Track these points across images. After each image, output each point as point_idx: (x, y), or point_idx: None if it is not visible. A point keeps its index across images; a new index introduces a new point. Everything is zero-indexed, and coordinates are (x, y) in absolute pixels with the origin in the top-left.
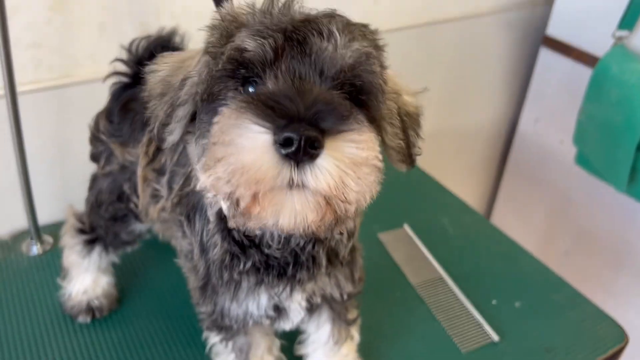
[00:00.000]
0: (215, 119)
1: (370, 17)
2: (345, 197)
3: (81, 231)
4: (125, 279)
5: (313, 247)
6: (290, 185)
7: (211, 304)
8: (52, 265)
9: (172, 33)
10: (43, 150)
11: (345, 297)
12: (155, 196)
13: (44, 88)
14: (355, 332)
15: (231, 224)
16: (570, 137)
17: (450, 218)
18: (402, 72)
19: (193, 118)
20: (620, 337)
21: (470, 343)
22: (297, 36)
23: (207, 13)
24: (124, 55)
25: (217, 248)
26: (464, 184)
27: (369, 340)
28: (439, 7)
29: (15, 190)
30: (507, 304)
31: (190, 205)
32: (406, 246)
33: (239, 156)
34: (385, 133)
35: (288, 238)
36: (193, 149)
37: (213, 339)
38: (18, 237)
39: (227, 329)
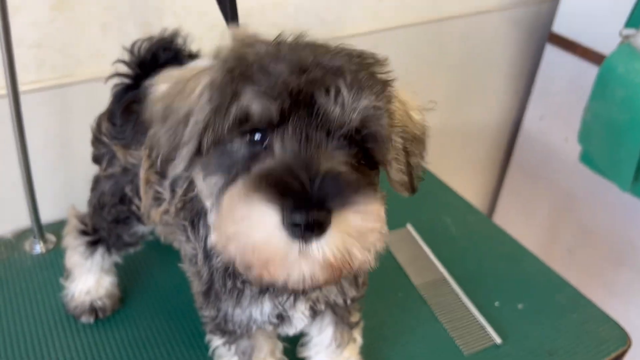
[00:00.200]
0: (225, 193)
1: (375, 14)
2: (351, 264)
3: (84, 232)
4: (128, 278)
5: None
6: (299, 255)
7: (214, 309)
8: (55, 264)
9: (175, 34)
10: (46, 149)
11: (348, 302)
12: (158, 199)
13: (46, 87)
14: (357, 335)
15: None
16: (575, 135)
17: (454, 218)
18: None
19: (198, 149)
20: (623, 340)
21: (473, 345)
22: (305, 97)
23: (210, 12)
24: (126, 56)
25: (221, 256)
26: (467, 180)
27: (371, 342)
28: (444, 4)
29: (18, 188)
30: (510, 305)
31: (194, 211)
32: (409, 246)
33: (249, 236)
34: (390, 168)
35: None
36: (201, 183)
37: (216, 342)
38: (21, 236)
39: (230, 333)
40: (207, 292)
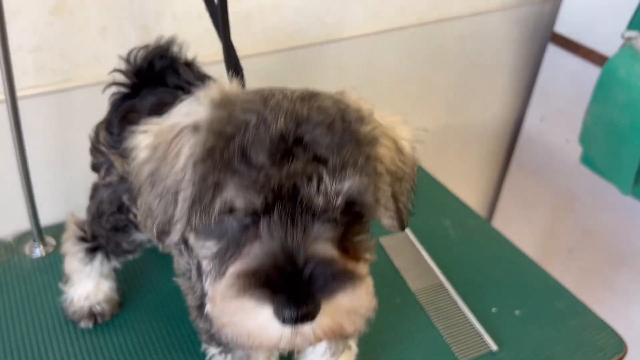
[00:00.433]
0: (217, 285)
1: (375, 15)
2: (342, 336)
3: (83, 239)
4: (127, 283)
5: None
6: (291, 335)
7: (208, 323)
8: (54, 268)
9: (170, 42)
10: (45, 152)
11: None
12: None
13: (46, 92)
14: (352, 343)
15: None
16: (576, 136)
17: (453, 221)
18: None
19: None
20: (620, 348)
21: (469, 352)
22: (287, 189)
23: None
24: (123, 65)
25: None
26: (468, 180)
27: (366, 348)
28: (444, 5)
29: (17, 192)
30: (507, 312)
31: None
32: (407, 251)
33: (243, 326)
34: (380, 216)
35: None
36: (195, 243)
37: (212, 351)
38: (21, 239)
39: (225, 344)
40: (201, 307)
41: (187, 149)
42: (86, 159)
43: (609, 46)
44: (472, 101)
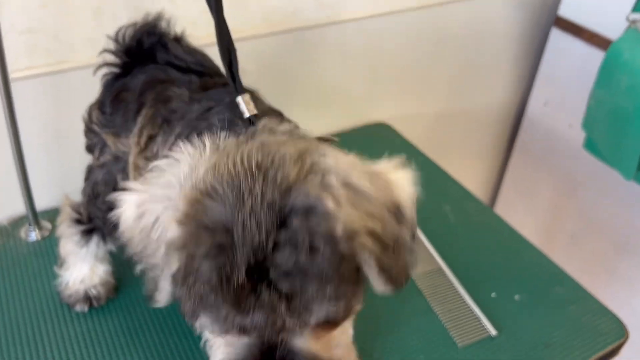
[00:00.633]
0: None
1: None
2: None
3: (78, 222)
4: (123, 266)
5: None
6: None
7: None
8: (50, 252)
9: (158, 18)
10: (40, 135)
11: None
12: None
13: (39, 74)
14: (349, 326)
15: None
16: (580, 121)
17: (453, 206)
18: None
19: None
20: (621, 333)
21: (468, 337)
22: (256, 326)
23: None
24: (112, 45)
25: None
26: (470, 165)
27: (364, 331)
28: None
29: (12, 175)
30: (507, 296)
31: None
32: None
33: None
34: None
35: None
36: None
37: (207, 335)
38: (17, 223)
39: None
40: None
41: (164, 246)
42: (82, 141)
43: (614, 30)
44: (474, 85)
